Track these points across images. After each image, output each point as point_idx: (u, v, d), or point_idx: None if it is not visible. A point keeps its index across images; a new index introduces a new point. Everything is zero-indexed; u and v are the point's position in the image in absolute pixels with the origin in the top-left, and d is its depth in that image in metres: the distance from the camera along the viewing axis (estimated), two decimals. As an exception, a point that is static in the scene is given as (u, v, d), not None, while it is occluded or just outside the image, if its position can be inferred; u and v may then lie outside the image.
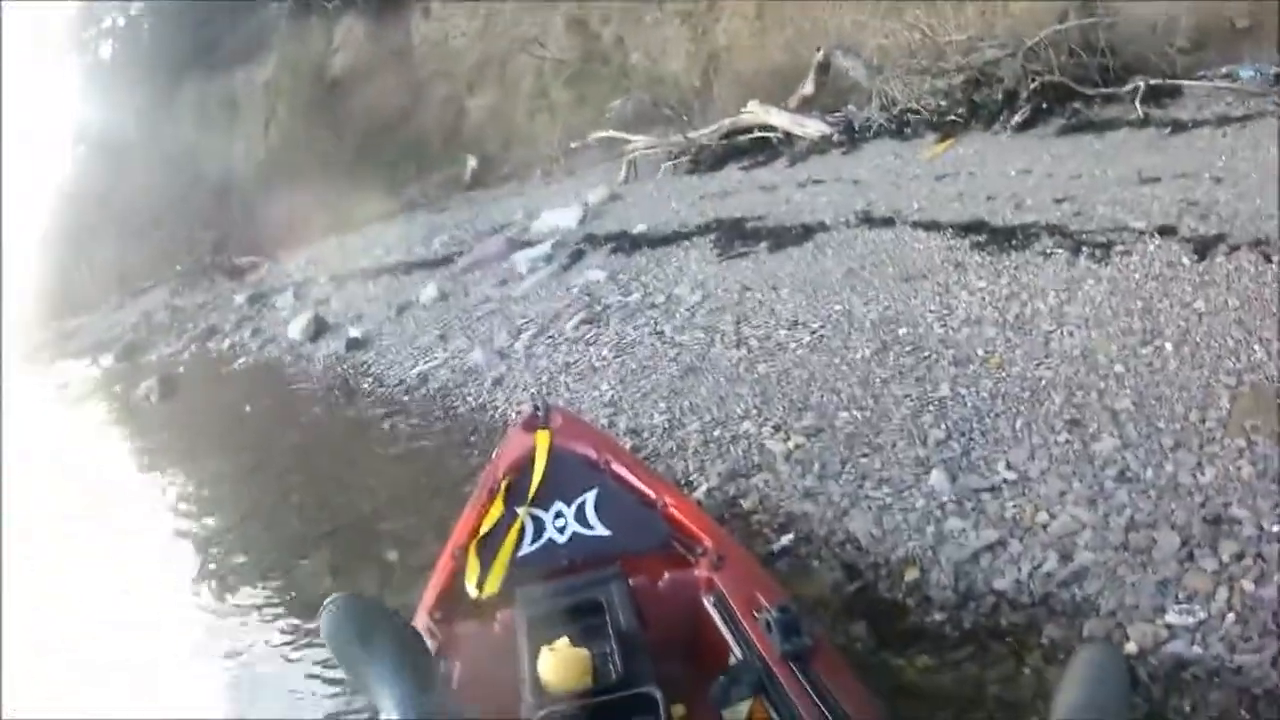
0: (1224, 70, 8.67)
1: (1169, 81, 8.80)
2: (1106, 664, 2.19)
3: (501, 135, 18.73)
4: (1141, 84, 8.76)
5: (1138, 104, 8.65)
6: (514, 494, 3.64)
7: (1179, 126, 7.96)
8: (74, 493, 8.88)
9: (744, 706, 2.65)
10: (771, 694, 2.61)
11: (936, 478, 4.43)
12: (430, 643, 3.05)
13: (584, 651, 2.70)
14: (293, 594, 5.68)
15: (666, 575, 3.25)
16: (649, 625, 2.90)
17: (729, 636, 2.92)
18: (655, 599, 3.12)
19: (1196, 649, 3.20)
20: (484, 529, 3.54)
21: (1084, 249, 6.12)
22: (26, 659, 5.25)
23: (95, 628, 5.65)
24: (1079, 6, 9.86)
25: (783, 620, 2.72)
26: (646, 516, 3.56)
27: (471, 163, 18.56)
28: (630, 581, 3.09)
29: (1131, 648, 3.27)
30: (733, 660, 2.84)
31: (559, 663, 2.66)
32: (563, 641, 2.72)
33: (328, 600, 2.63)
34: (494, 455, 4.08)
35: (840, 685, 2.61)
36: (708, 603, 3.10)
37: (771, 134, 12.31)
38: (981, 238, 6.84)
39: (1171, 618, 3.32)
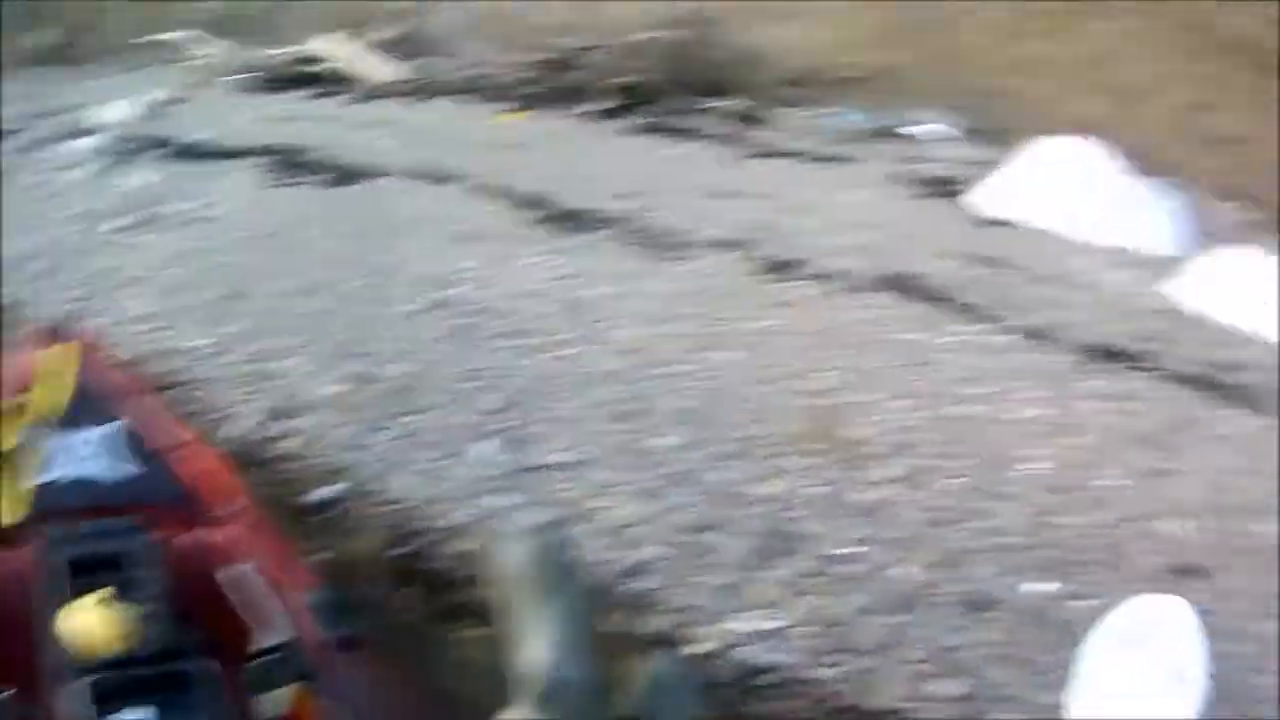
0: (826, 111, 9.00)
1: (763, 107, 9.01)
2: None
3: (65, 19, 17.09)
4: (734, 103, 8.92)
5: (727, 121, 8.80)
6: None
7: (765, 151, 8.16)
8: None
9: (283, 691, 2.30)
10: (314, 679, 2.30)
11: (487, 448, 4.29)
12: None
13: (116, 613, 2.25)
14: None
15: (187, 534, 2.79)
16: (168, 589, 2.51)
17: (262, 612, 2.56)
18: (173, 560, 2.70)
19: (772, 656, 3.20)
20: None
21: (647, 247, 6.18)
22: None
23: None
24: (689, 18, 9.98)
25: (327, 601, 2.47)
26: (167, 464, 3.13)
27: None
28: (149, 537, 2.66)
29: (700, 648, 3.22)
30: (266, 639, 2.49)
31: (86, 624, 2.22)
32: (89, 599, 2.27)
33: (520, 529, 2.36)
34: None
35: (389, 672, 2.43)
36: (235, 570, 2.72)
37: (341, 68, 11.79)
38: (542, 214, 6.80)
39: (736, 624, 3.31)
